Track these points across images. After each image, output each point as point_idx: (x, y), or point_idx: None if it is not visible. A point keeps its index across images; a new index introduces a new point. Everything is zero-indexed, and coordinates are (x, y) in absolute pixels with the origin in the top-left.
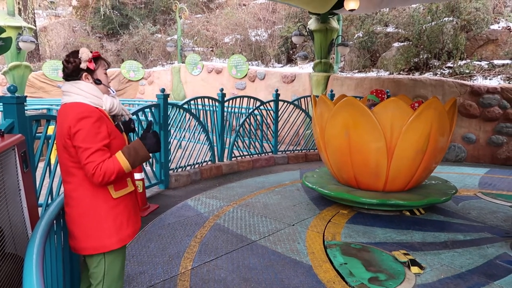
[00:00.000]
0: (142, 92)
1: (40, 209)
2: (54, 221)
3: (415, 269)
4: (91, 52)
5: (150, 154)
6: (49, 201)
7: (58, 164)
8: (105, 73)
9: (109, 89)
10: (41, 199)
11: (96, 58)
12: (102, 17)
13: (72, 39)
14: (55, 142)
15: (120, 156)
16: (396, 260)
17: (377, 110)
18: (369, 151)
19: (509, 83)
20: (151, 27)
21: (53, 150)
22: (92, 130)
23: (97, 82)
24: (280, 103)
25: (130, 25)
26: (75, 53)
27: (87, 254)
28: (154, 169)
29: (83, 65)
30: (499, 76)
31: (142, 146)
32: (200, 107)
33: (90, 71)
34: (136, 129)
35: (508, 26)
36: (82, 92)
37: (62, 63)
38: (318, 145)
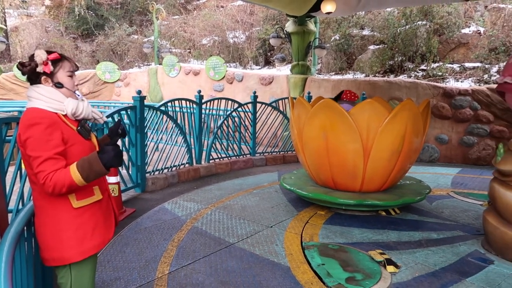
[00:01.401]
0: (118, 94)
1: (10, 215)
2: (25, 228)
3: (390, 268)
4: (50, 53)
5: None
6: (20, 206)
7: None
8: (70, 76)
9: (74, 93)
10: (11, 205)
11: (56, 60)
12: (77, 17)
13: (45, 40)
14: None
15: (73, 169)
16: (372, 259)
17: (353, 112)
18: (346, 152)
19: (479, 85)
20: (127, 28)
21: None
22: (43, 137)
23: (58, 85)
24: (258, 105)
25: (106, 25)
26: (32, 56)
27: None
28: (130, 172)
29: (39, 69)
30: (470, 79)
31: (97, 160)
32: (177, 109)
33: (49, 74)
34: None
35: (478, 30)
36: (41, 96)
37: (17, 66)
38: (295, 147)
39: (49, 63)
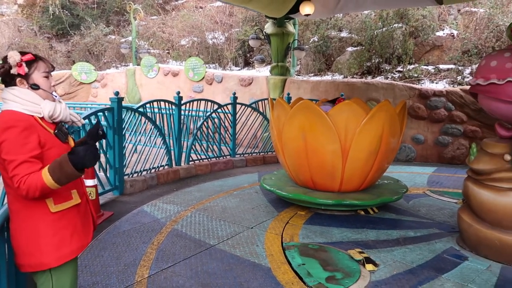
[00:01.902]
0: (95, 95)
1: None
2: None
3: (369, 267)
4: (23, 54)
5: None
6: None
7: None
8: (46, 77)
9: (51, 94)
10: None
11: (31, 61)
12: (51, 16)
13: (17, 39)
14: None
15: (44, 172)
16: (351, 258)
17: (332, 113)
18: (325, 153)
19: (453, 86)
20: (104, 28)
21: None
22: (18, 141)
23: (33, 87)
24: (238, 106)
25: (82, 25)
26: (5, 58)
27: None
28: (108, 175)
29: (13, 71)
30: (444, 80)
31: (67, 161)
32: (156, 110)
33: (24, 76)
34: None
35: (452, 33)
36: (17, 98)
37: None
38: (275, 148)
39: (23, 64)
